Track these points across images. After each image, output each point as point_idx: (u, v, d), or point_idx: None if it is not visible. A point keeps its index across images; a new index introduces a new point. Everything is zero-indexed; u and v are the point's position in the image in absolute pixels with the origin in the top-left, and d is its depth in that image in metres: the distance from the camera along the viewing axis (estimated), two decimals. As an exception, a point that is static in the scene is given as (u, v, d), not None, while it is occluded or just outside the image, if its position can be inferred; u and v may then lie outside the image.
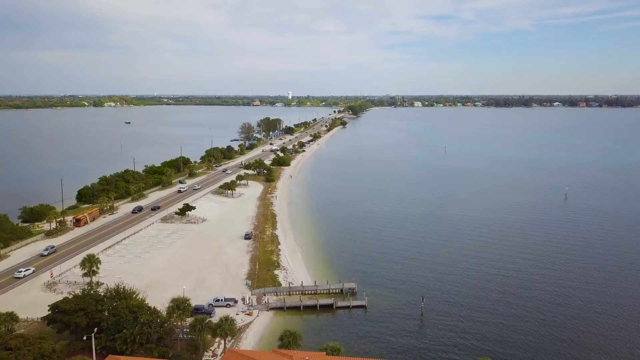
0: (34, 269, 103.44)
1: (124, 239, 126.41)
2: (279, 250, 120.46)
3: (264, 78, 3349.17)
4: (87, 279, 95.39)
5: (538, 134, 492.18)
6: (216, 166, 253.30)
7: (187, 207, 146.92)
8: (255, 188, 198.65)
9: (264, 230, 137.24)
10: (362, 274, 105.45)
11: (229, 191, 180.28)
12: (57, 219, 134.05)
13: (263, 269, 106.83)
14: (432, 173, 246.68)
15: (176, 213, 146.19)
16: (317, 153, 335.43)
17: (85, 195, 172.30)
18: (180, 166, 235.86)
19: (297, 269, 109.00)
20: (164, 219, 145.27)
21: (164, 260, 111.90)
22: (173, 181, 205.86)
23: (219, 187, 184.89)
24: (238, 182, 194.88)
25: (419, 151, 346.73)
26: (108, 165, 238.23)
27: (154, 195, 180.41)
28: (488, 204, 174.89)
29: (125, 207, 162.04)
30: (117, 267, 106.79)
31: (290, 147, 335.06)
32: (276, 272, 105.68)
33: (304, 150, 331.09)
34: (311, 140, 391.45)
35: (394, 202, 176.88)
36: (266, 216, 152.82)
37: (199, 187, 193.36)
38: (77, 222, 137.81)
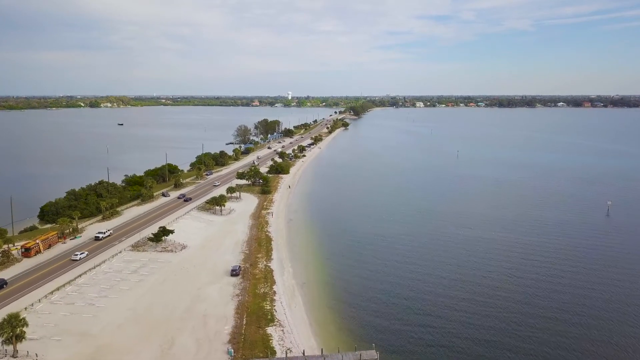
0: (87, 252, 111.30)
1: (79, 275, 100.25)
2: (274, 292, 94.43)
3: (263, 78, 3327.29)
4: (10, 348, 69.68)
5: (554, 135, 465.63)
6: (207, 174, 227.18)
7: (164, 232, 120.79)
8: (248, 202, 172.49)
9: (256, 261, 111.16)
10: (383, 332, 79.46)
11: (217, 207, 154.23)
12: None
13: (252, 325, 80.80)
14: (448, 182, 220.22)
15: (149, 239, 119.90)
16: (319, 158, 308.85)
17: (49, 213, 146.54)
18: (166, 175, 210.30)
19: (296, 325, 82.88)
20: (135, 246, 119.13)
21: (124, 309, 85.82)
22: (155, 194, 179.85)
23: (206, 202, 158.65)
24: (229, 195, 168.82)
25: (428, 155, 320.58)
26: (89, 173, 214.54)
27: (129, 213, 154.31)
28: (526, 223, 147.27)
29: (93, 228, 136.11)
30: (60, 321, 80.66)
31: (289, 151, 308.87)
32: (269, 329, 79.59)
33: (304, 155, 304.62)
34: (312, 144, 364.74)
35: (410, 221, 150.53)
36: (260, 241, 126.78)
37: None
38: (27, 252, 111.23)
